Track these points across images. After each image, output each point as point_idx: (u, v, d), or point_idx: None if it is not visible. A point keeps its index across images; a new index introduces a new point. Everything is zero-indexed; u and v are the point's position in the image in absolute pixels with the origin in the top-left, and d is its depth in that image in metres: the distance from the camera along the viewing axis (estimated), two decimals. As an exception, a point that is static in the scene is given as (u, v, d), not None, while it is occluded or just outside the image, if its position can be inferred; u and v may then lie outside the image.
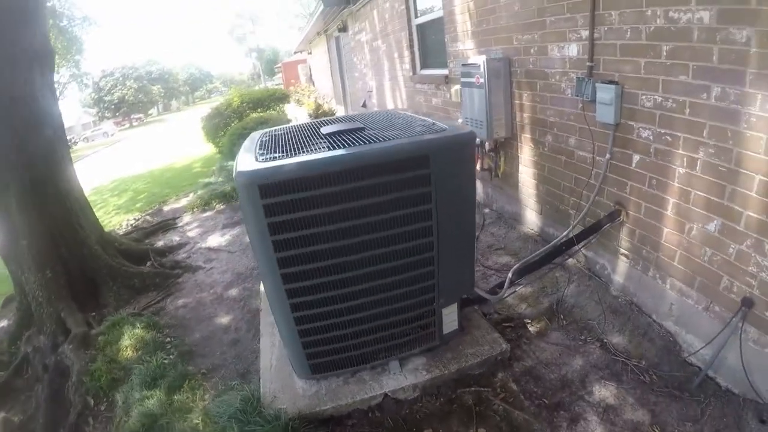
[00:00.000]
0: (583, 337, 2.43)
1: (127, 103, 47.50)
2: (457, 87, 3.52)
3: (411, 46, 5.05)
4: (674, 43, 1.96)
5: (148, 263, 4.08)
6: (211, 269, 3.96)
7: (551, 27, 2.63)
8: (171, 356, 2.79)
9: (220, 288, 3.59)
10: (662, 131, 2.10)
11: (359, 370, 2.22)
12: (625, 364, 2.21)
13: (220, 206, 5.89)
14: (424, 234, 1.94)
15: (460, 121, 3.59)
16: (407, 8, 5.05)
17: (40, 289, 3.26)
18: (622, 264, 2.53)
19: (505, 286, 2.40)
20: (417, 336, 2.21)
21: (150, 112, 53.63)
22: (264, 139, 2.20)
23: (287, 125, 2.62)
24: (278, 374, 2.29)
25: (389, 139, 1.87)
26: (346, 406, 2.10)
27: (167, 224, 5.47)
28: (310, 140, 2.04)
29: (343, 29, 9.81)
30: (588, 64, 2.37)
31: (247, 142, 2.19)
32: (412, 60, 5.09)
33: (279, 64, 38.15)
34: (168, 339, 3.00)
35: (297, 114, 9.77)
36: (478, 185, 3.90)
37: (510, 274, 2.44)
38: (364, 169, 1.75)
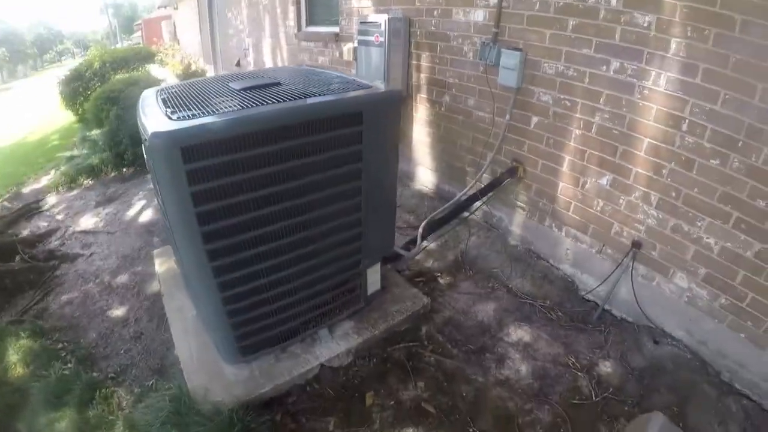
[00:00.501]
0: (490, 285, 2.64)
1: (-34, 68, 37.56)
2: (350, 45, 3.46)
3: (297, 2, 4.77)
4: (580, 20, 2.16)
5: (17, 257, 3.32)
6: (92, 255, 3.37)
7: None
8: (69, 364, 2.35)
9: (106, 276, 3.07)
10: (562, 96, 2.33)
11: (289, 345, 2.12)
12: (532, 306, 2.48)
13: (88, 182, 5.05)
14: (353, 194, 1.90)
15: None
16: None
17: None
18: (519, 216, 2.80)
19: (417, 242, 2.47)
20: (344, 300, 2.19)
21: None
22: (163, 96, 1.89)
23: (184, 82, 2.29)
24: (202, 364, 2.07)
25: (316, 95, 1.75)
26: (285, 384, 1.99)
27: (30, 209, 4.61)
28: (223, 96, 1.81)
29: None
30: (494, 30, 2.50)
31: (145, 102, 1.85)
32: (298, 16, 4.81)
33: (139, 22, 33.57)
34: (60, 345, 2.50)
35: (164, 75, 8.62)
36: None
37: (420, 230, 2.50)
38: (300, 126, 1.62)
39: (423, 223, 2.57)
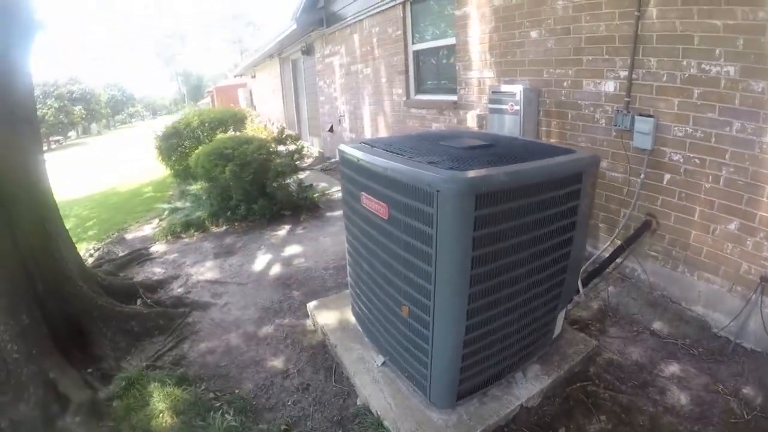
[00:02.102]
0: (635, 329, 2.87)
1: (47, 123, 39.22)
2: (473, 112, 3.81)
3: (406, 71, 5.17)
4: (704, 88, 2.57)
5: (139, 301, 3.23)
6: (227, 305, 3.34)
7: (588, 65, 3.12)
8: (227, 415, 2.29)
9: (249, 326, 3.05)
10: (691, 155, 2.70)
11: (491, 388, 2.21)
12: (674, 344, 2.71)
13: (197, 234, 5.17)
14: (567, 244, 2.10)
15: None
16: (404, 34, 5.19)
17: (15, 340, 2.34)
18: (652, 265, 3.08)
19: (580, 290, 2.69)
20: (538, 344, 2.33)
21: (69, 134, 47.34)
22: (391, 149, 2.11)
23: (381, 139, 2.52)
24: (405, 411, 2.12)
25: (534, 158, 1.97)
26: (492, 426, 2.07)
27: (141, 254, 4.63)
28: (451, 153, 2.04)
29: (307, 52, 9.54)
30: (626, 99, 2.89)
31: (362, 151, 2.11)
32: (407, 85, 5.20)
33: (210, 89, 36.75)
34: (212, 394, 2.45)
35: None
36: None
37: (580, 278, 2.74)
38: (548, 183, 1.85)
39: (581, 273, 2.78)
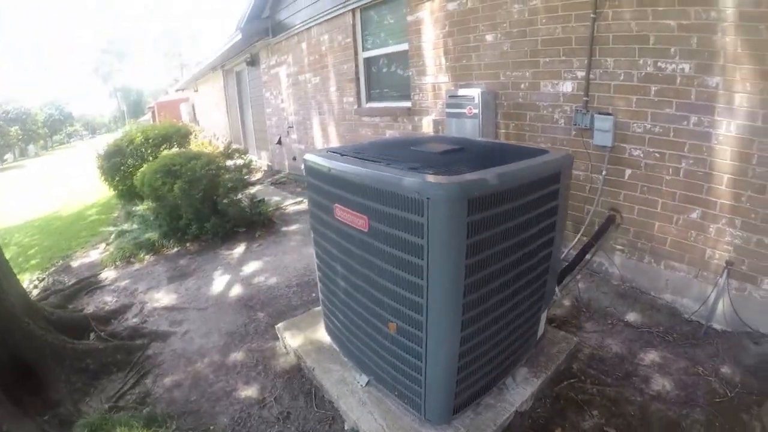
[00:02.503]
0: (609, 322, 2.92)
1: (-20, 146, 36.01)
2: (429, 118, 3.78)
3: (357, 79, 5.06)
4: (661, 85, 2.69)
5: (92, 335, 2.88)
6: (187, 333, 3.05)
7: (545, 67, 3.17)
8: None
9: (215, 354, 2.80)
10: (651, 149, 2.80)
11: (485, 397, 2.14)
12: (649, 333, 2.78)
13: (148, 257, 4.80)
14: (549, 244, 2.09)
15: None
16: (354, 41, 5.07)
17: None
18: (619, 258, 3.16)
19: (556, 289, 2.69)
20: (525, 347, 2.30)
21: (5, 157, 45.08)
22: (362, 156, 2.01)
23: (357, 144, 2.40)
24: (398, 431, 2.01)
25: (514, 159, 1.92)
26: (489, 437, 2.01)
27: (89, 283, 4.26)
28: (429, 157, 1.98)
29: (252, 63, 9.19)
30: (584, 99, 2.97)
31: (334, 160, 2.01)
32: (358, 93, 5.08)
33: (151, 105, 34.99)
34: None
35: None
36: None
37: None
38: (530, 184, 1.82)
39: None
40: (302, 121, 6.85)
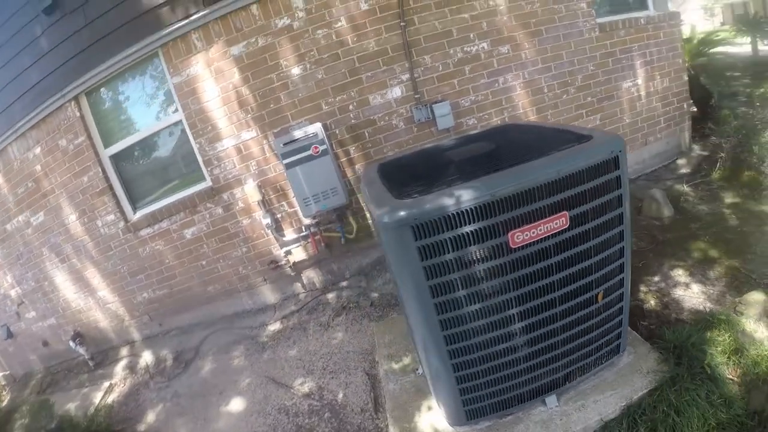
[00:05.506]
0: None
1: None
2: (250, 184, 3.08)
3: (110, 188, 3.18)
4: (472, 64, 3.07)
5: None
6: None
7: (369, 81, 3.00)
8: None
9: None
10: (480, 114, 3.24)
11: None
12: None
13: None
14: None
15: (295, 201, 3.17)
16: (89, 138, 3.10)
17: None
18: None
19: None
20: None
21: None
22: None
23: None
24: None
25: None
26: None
27: None
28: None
29: None
30: (416, 96, 3.06)
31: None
32: (118, 206, 3.26)
33: None
34: None
35: None
36: (314, 272, 3.49)
37: None
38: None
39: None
40: (36, 287, 3.96)
